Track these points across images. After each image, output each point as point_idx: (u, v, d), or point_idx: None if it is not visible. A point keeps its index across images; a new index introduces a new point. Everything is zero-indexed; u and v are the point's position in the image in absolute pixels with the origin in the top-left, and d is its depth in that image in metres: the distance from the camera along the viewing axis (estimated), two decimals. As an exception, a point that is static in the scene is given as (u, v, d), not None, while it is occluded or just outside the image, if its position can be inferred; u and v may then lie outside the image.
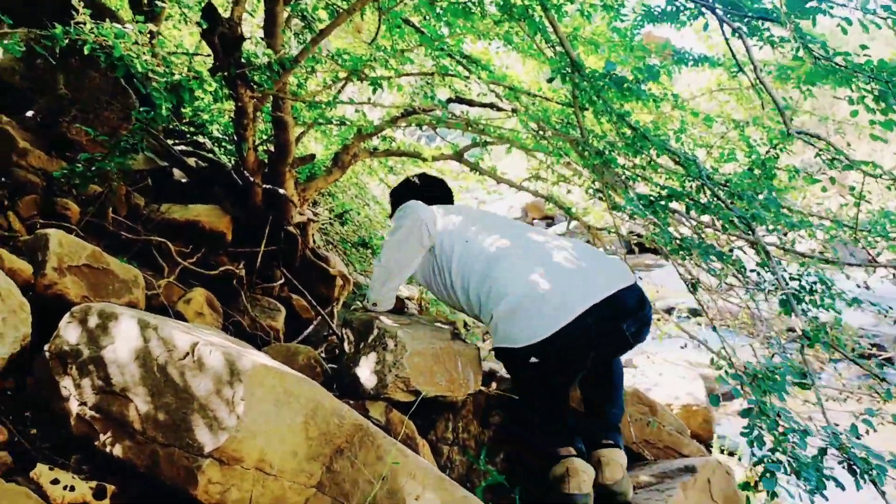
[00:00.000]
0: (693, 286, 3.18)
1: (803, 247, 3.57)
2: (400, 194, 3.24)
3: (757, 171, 3.33)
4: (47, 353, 1.89)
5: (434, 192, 3.23)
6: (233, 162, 3.94)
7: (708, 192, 2.91)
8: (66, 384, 1.83)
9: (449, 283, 2.66)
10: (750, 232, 2.70)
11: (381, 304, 2.79)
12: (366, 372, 2.42)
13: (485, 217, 2.84)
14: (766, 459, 1.79)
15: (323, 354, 3.16)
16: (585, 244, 2.72)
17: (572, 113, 3.58)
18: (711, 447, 3.71)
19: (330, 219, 5.10)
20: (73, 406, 1.79)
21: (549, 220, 14.23)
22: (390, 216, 3.20)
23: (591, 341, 2.36)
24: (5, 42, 2.34)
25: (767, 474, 1.78)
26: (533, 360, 2.33)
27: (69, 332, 1.90)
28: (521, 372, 2.45)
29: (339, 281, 3.74)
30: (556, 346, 2.28)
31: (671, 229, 3.01)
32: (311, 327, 3.39)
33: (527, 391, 2.47)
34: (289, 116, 3.44)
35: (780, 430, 1.81)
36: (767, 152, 3.18)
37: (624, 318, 2.39)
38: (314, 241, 3.95)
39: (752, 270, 2.77)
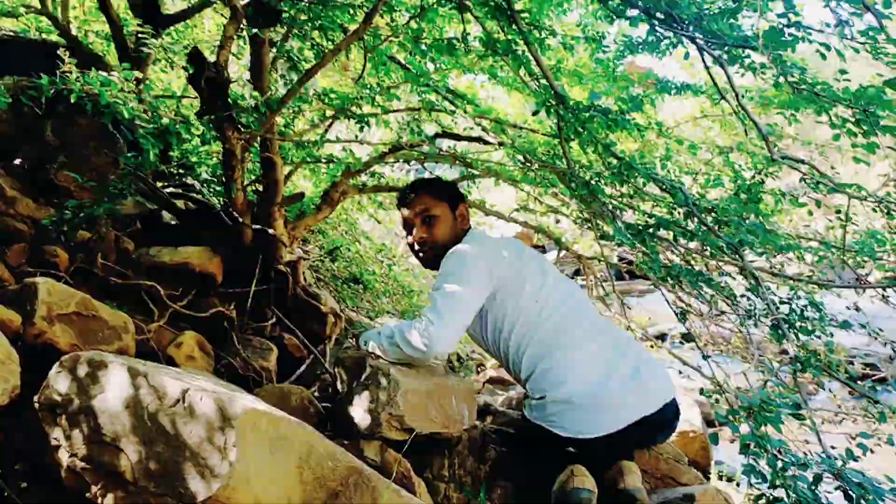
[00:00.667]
0: (682, 315, 3.20)
1: (792, 269, 3.60)
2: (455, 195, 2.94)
3: (743, 196, 3.36)
4: (37, 405, 1.87)
5: None
6: (222, 203, 3.95)
7: (695, 219, 2.93)
8: (57, 435, 1.81)
9: (503, 336, 2.62)
10: (738, 257, 2.72)
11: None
12: (359, 411, 2.40)
13: (547, 275, 2.71)
14: (767, 494, 1.79)
15: (316, 394, 3.14)
16: (633, 339, 2.72)
17: (558, 144, 3.62)
18: (710, 474, 3.69)
19: (321, 256, 5.11)
20: (64, 457, 1.77)
21: (541, 249, 14.24)
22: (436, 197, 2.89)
23: (627, 446, 2.50)
24: (-9, 93, 2.36)
25: (768, 509, 1.78)
26: (570, 448, 2.41)
27: (58, 382, 1.88)
28: (554, 449, 2.47)
29: (331, 318, 3.73)
30: (596, 445, 2.37)
31: (661, 257, 3.03)
32: (304, 366, 3.37)
33: (550, 462, 2.48)
34: (277, 156, 3.46)
35: (780, 463, 1.81)
36: (753, 177, 3.21)
37: (662, 429, 2.53)
38: (305, 279, 3.95)
39: (742, 296, 2.79)
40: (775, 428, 1.81)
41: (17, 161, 3.11)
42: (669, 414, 2.47)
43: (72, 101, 2.49)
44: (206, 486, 1.61)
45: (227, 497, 1.61)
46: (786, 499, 1.75)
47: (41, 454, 1.82)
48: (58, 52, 2.67)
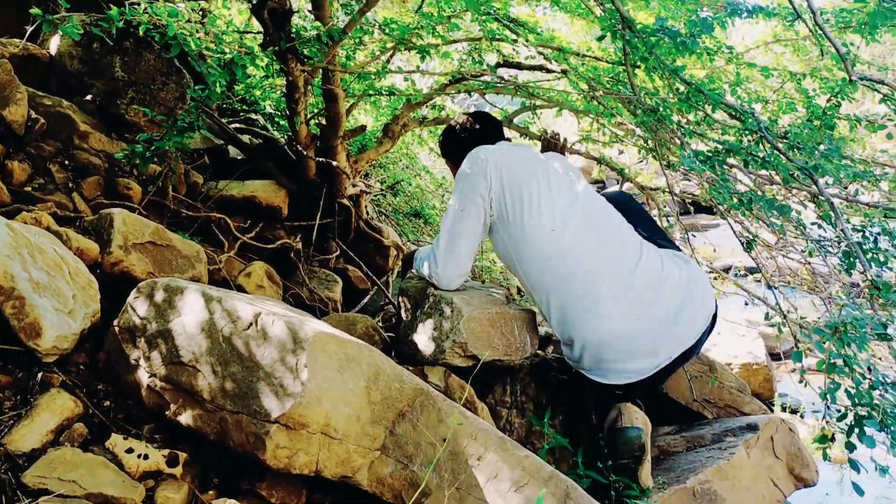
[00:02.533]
0: (749, 244, 3.13)
1: (866, 198, 3.47)
2: (457, 146, 2.83)
3: (816, 122, 3.23)
4: (117, 328, 1.96)
5: (488, 132, 2.83)
6: (285, 137, 3.99)
7: (767, 146, 2.84)
8: (136, 357, 1.90)
9: (519, 269, 2.49)
10: (813, 184, 2.63)
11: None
12: (423, 339, 2.45)
13: (558, 192, 2.48)
14: (853, 413, 1.76)
15: (380, 323, 3.21)
16: (670, 259, 2.52)
17: (623, 71, 3.52)
18: (773, 406, 3.65)
19: (382, 190, 5.14)
20: (144, 378, 1.86)
21: (601, 184, 14.01)
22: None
23: (666, 376, 2.43)
24: (65, 26, 2.40)
25: (857, 429, 1.75)
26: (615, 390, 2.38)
27: (137, 307, 1.96)
28: (595, 389, 2.43)
29: (393, 251, 3.77)
30: (634, 385, 2.35)
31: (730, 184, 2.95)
32: (368, 297, 3.44)
33: (600, 393, 2.44)
34: (339, 89, 3.46)
35: (867, 383, 1.78)
36: (829, 100, 3.08)
37: (701, 346, 2.40)
38: (367, 213, 3.99)
39: (813, 223, 2.71)
40: (860, 348, 1.76)
41: (89, 97, 3.19)
42: (709, 331, 2.40)
43: (140, 33, 2.52)
44: (280, 405, 1.67)
45: (300, 414, 1.67)
46: (873, 418, 1.72)
47: (122, 375, 1.91)
48: (124, -14, 2.69)
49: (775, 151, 2.80)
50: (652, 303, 2.33)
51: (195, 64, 2.84)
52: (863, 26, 3.13)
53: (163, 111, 3.24)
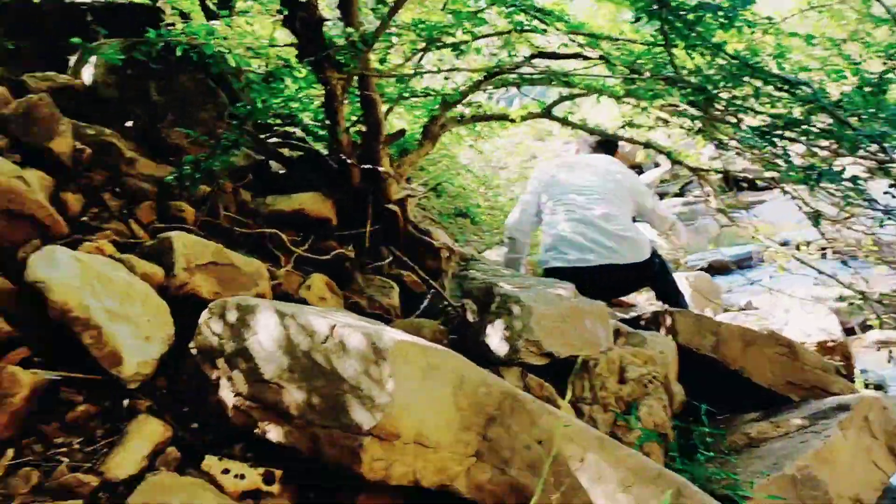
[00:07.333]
0: (816, 219, 3.04)
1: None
2: None
3: (868, 89, 3.13)
4: (194, 350, 1.92)
5: None
6: (324, 147, 3.95)
7: (824, 115, 2.75)
8: (217, 377, 1.86)
9: None
10: (881, 151, 2.53)
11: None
12: (495, 340, 2.39)
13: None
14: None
15: (441, 327, 3.15)
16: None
17: (659, 52, 3.44)
18: (855, 383, 3.53)
19: (425, 193, 5.08)
20: (229, 398, 1.82)
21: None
22: None
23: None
24: (103, 52, 2.38)
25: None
26: None
27: (211, 328, 1.93)
28: None
29: (445, 252, 3.72)
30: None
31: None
32: (427, 301, 3.37)
33: None
34: (376, 94, 3.41)
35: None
36: (885, 64, 2.98)
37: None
38: (414, 216, 3.94)
39: (885, 192, 2.61)
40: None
41: (130, 123, 3.17)
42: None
43: (177, 53, 2.49)
44: (370, 417, 1.62)
45: (392, 425, 1.62)
46: None
47: (205, 396, 1.87)
48: (158, 6, 2.67)
49: (835, 121, 2.70)
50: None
51: (234, 79, 2.81)
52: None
53: (204, 131, 3.21)
